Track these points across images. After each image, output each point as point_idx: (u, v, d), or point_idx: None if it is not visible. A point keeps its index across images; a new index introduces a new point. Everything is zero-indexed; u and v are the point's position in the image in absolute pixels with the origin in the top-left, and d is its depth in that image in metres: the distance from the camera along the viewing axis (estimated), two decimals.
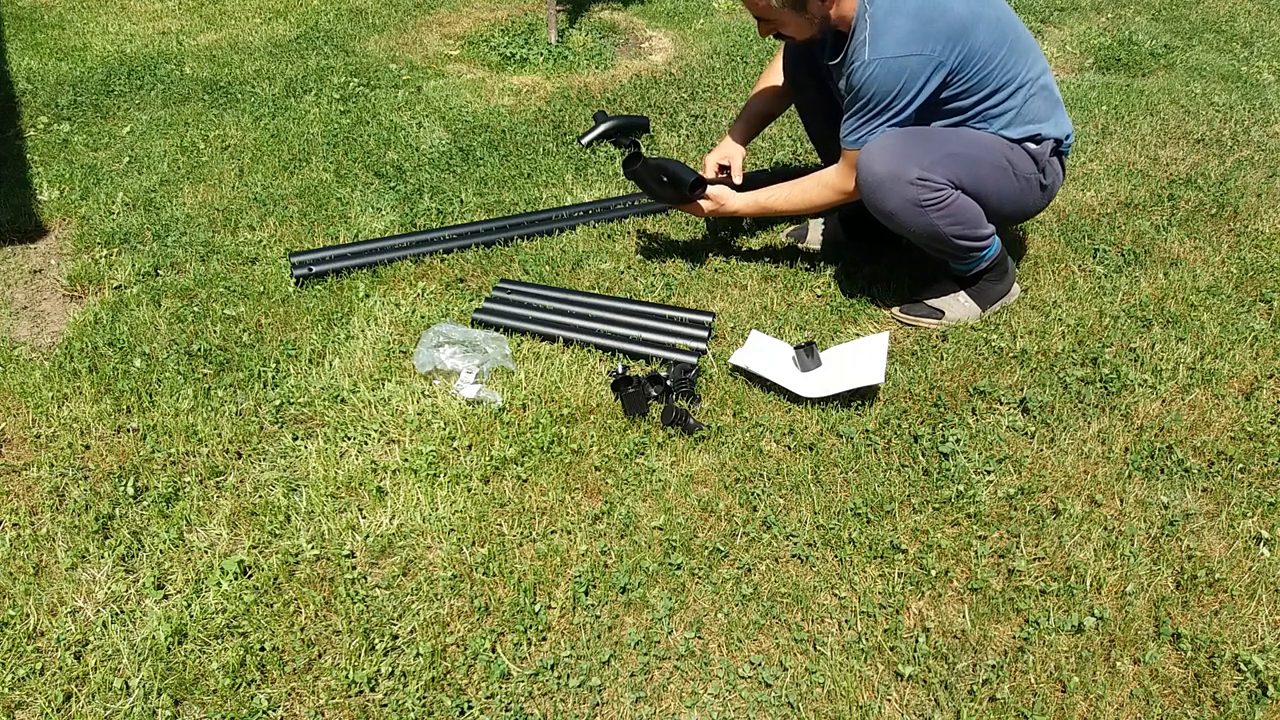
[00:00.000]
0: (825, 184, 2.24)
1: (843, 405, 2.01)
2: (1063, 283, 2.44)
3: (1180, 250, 2.58)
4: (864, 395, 2.02)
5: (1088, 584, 1.59)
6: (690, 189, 2.34)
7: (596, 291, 2.42)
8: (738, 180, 2.55)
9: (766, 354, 2.11)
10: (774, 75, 2.53)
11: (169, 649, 1.49)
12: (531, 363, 2.14)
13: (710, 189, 2.38)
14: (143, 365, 2.14)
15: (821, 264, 2.53)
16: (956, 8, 1.99)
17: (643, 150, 3.23)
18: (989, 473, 1.83)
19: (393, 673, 1.46)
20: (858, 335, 2.25)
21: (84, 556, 1.67)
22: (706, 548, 1.67)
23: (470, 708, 1.42)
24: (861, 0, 2.02)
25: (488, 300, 2.36)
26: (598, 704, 1.42)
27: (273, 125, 3.46)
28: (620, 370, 2.06)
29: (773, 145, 3.28)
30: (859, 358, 2.07)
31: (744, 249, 2.63)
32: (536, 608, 1.56)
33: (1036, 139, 2.13)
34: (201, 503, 1.78)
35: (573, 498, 1.79)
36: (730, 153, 2.58)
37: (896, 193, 2.05)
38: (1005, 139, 2.12)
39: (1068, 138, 2.18)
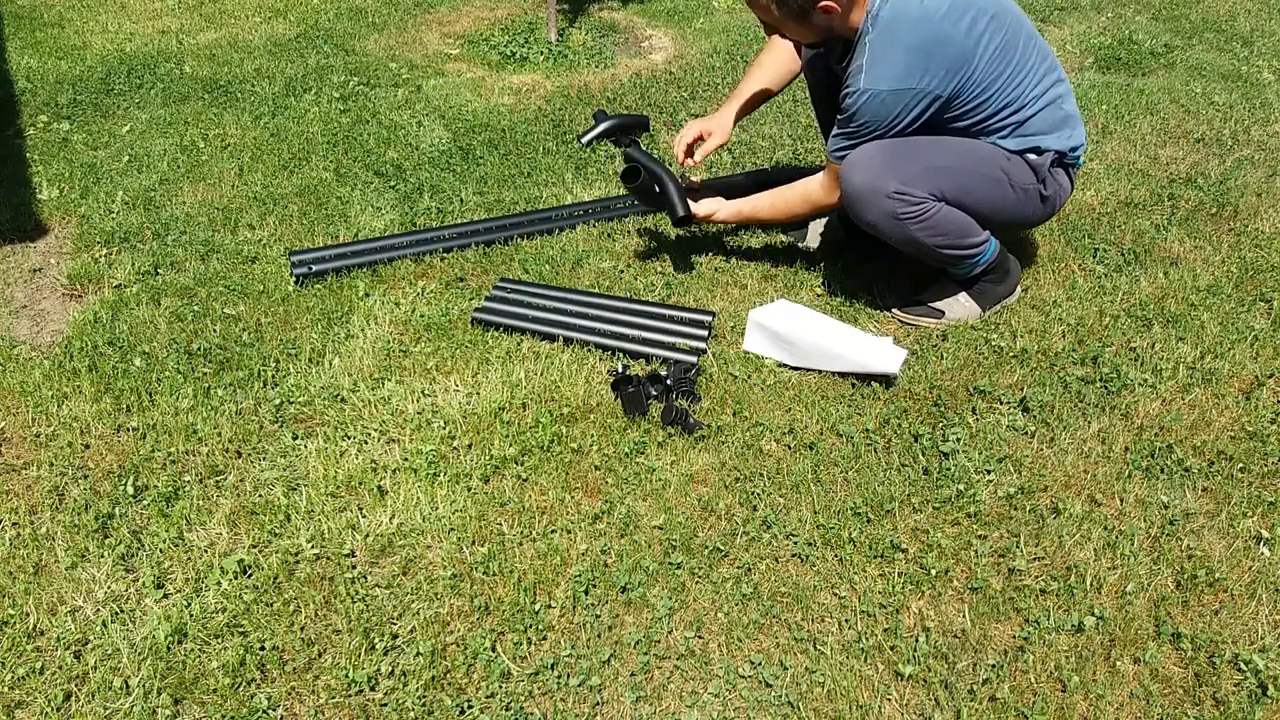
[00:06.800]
0: (807, 196, 2.27)
1: (843, 404, 2.01)
2: (1063, 282, 2.44)
3: (1180, 250, 2.58)
4: (865, 393, 2.02)
5: (1088, 583, 1.59)
6: (677, 223, 2.42)
7: (596, 290, 2.42)
8: (699, 158, 2.46)
9: (778, 333, 2.14)
10: (777, 50, 2.44)
11: (169, 648, 1.49)
12: (531, 362, 2.14)
13: (696, 206, 2.40)
14: (142, 364, 2.14)
15: (821, 264, 2.53)
16: (958, 39, 1.94)
17: (642, 147, 3.23)
18: (989, 472, 1.83)
19: (393, 672, 1.46)
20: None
21: (84, 556, 1.67)
22: (706, 547, 1.67)
23: (470, 707, 1.42)
24: (865, 18, 1.98)
25: (487, 299, 2.36)
26: (598, 703, 1.42)
27: (272, 124, 3.46)
28: (620, 369, 2.06)
29: (773, 145, 3.28)
30: (870, 346, 2.10)
31: (744, 249, 2.63)
32: (536, 607, 1.56)
33: (1037, 150, 2.11)
34: (201, 502, 1.78)
35: (573, 497, 1.79)
36: (713, 128, 2.45)
37: (875, 205, 2.06)
38: (1003, 150, 2.10)
39: (1074, 150, 2.15)
